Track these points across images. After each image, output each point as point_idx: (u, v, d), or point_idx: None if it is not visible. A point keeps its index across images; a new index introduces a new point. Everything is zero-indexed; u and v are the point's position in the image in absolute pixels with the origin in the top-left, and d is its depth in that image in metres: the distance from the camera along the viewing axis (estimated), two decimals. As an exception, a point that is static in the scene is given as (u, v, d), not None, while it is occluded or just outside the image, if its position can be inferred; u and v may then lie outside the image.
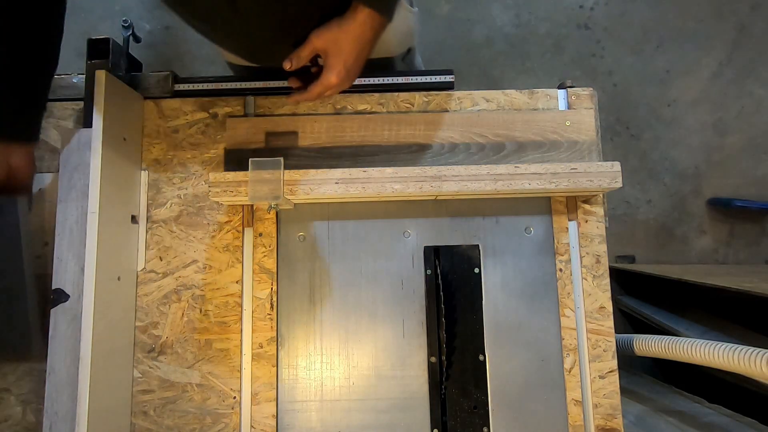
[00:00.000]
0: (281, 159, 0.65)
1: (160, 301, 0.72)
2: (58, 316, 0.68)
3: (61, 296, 0.68)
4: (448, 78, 0.80)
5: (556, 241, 0.72)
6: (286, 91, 0.79)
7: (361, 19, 0.56)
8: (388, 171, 0.66)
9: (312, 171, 0.65)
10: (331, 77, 0.59)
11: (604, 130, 1.59)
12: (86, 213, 0.63)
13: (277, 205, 0.68)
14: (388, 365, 0.70)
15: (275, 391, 0.69)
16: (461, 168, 0.65)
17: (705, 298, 1.21)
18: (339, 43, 0.58)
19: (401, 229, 0.73)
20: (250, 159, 0.64)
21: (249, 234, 0.73)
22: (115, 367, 0.66)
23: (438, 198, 0.72)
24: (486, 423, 0.68)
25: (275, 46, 0.63)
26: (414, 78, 0.79)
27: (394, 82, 0.79)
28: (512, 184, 0.65)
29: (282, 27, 0.60)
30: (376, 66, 0.76)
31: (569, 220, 0.73)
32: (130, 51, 0.81)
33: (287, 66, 0.61)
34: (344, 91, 0.78)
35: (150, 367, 0.70)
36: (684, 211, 1.57)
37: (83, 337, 0.60)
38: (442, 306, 0.69)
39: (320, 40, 0.59)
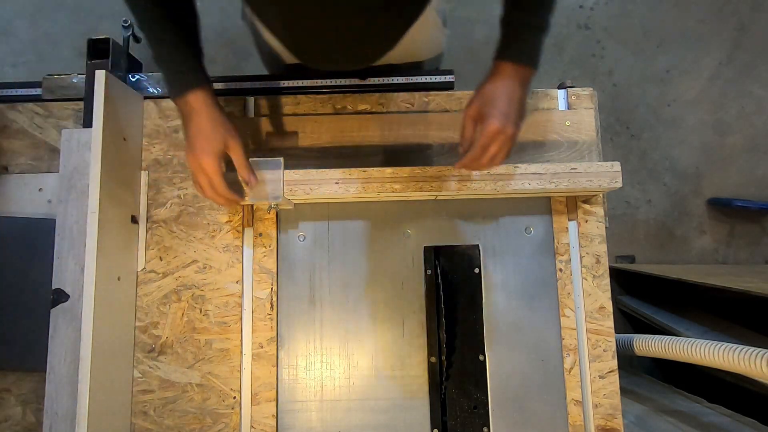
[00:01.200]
0: (281, 159, 0.65)
1: (160, 301, 0.72)
2: (58, 316, 0.68)
3: (61, 296, 0.68)
4: (448, 78, 0.80)
5: (556, 241, 0.72)
6: (285, 91, 0.79)
7: (510, 74, 0.56)
8: (388, 171, 0.66)
9: (312, 171, 0.66)
10: (490, 126, 0.55)
11: (604, 130, 1.58)
12: (86, 213, 0.63)
13: (277, 205, 0.68)
14: (388, 365, 0.70)
15: (275, 391, 0.69)
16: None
17: (705, 298, 1.21)
18: (491, 103, 0.56)
19: (401, 229, 0.73)
20: (250, 159, 0.64)
21: (249, 234, 0.73)
22: (115, 367, 0.66)
23: (438, 198, 0.72)
24: (486, 423, 0.68)
25: (346, 50, 0.63)
26: (414, 78, 0.79)
27: (394, 82, 0.79)
28: (512, 184, 0.65)
29: (367, 31, 0.60)
30: (405, 67, 0.77)
31: (569, 220, 0.73)
32: (130, 51, 0.81)
33: (462, 150, 0.60)
34: (344, 91, 0.79)
35: (150, 367, 0.70)
36: (684, 211, 1.57)
37: (83, 337, 0.60)
38: (442, 306, 0.69)
39: (472, 109, 0.58)
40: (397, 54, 0.70)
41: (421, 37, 0.70)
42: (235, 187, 0.63)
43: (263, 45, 0.78)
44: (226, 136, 0.59)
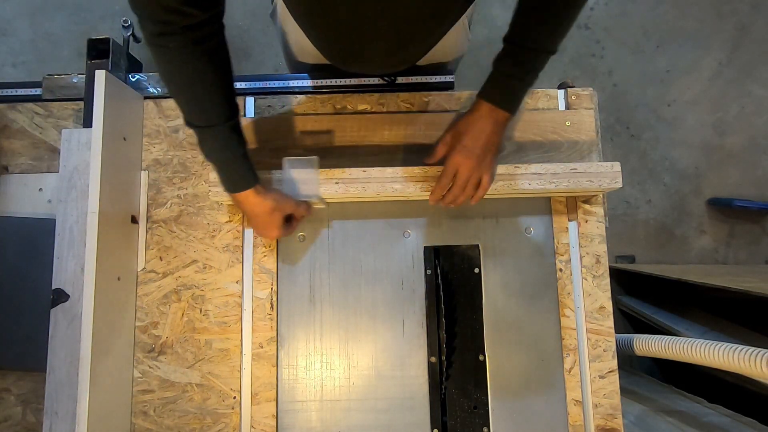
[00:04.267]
0: (316, 158, 0.65)
1: (160, 301, 0.72)
2: (58, 316, 0.68)
3: (61, 296, 0.68)
4: (448, 78, 0.80)
5: (556, 241, 0.72)
6: (286, 91, 0.79)
7: (484, 113, 0.61)
8: (388, 171, 0.66)
9: (312, 171, 0.65)
10: (451, 158, 0.61)
11: (604, 130, 1.58)
12: (86, 213, 0.63)
13: (311, 203, 0.69)
14: (388, 365, 0.70)
15: (275, 391, 0.69)
16: (461, 168, 0.65)
17: (705, 298, 1.21)
18: (460, 136, 0.62)
19: (401, 229, 0.73)
20: (284, 158, 0.64)
21: (249, 234, 0.73)
22: (115, 367, 0.66)
23: (438, 198, 0.72)
24: (486, 423, 0.68)
25: (387, 54, 0.64)
26: (414, 78, 0.79)
27: (393, 82, 0.79)
28: (512, 184, 0.65)
29: (410, 37, 0.61)
30: (431, 67, 0.79)
31: (569, 220, 0.73)
32: (130, 51, 0.81)
33: (435, 202, 0.65)
34: (344, 91, 0.79)
35: (150, 367, 0.70)
36: (684, 211, 1.57)
37: (83, 337, 0.60)
38: (442, 306, 0.69)
39: (447, 135, 0.64)
40: (427, 56, 0.71)
41: (450, 41, 0.72)
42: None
43: (292, 44, 0.78)
44: (283, 211, 0.64)
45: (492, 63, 0.60)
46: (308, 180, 0.65)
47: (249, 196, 0.61)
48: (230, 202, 0.72)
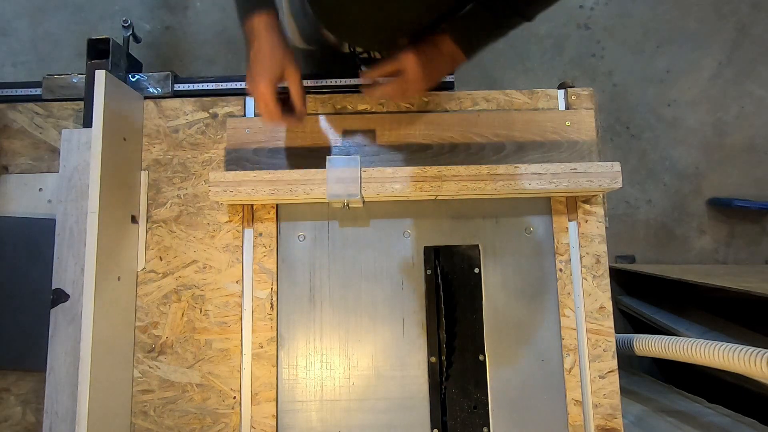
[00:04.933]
0: (358, 157, 0.66)
1: (160, 301, 0.72)
2: (58, 316, 0.68)
3: (61, 296, 0.68)
4: (448, 78, 0.80)
5: (556, 241, 0.72)
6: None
7: (446, 51, 0.63)
8: (388, 171, 0.66)
9: (312, 171, 0.66)
10: (409, 59, 0.63)
11: (604, 130, 1.59)
12: (86, 213, 0.63)
13: (349, 202, 0.69)
14: (388, 365, 0.70)
15: (275, 391, 0.69)
16: (461, 168, 0.65)
17: (705, 298, 1.21)
18: (427, 52, 0.63)
19: (401, 229, 0.73)
20: (327, 157, 0.65)
21: (249, 234, 0.73)
22: (115, 367, 0.66)
23: (438, 198, 0.72)
24: (486, 423, 0.68)
25: (391, 31, 0.66)
26: (414, 78, 0.79)
27: (394, 82, 0.79)
28: (512, 184, 0.65)
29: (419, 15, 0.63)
30: None
31: (569, 220, 0.73)
32: (130, 51, 0.81)
33: (366, 79, 0.67)
34: (344, 91, 0.79)
35: (150, 367, 0.70)
36: (684, 211, 1.57)
37: (83, 337, 0.60)
38: (442, 306, 0.69)
39: (408, 63, 0.63)
40: None
41: None
42: (291, 112, 0.65)
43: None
44: (284, 62, 0.61)
45: (469, 9, 0.62)
46: (349, 179, 0.65)
47: (263, 23, 0.60)
48: (230, 202, 0.72)
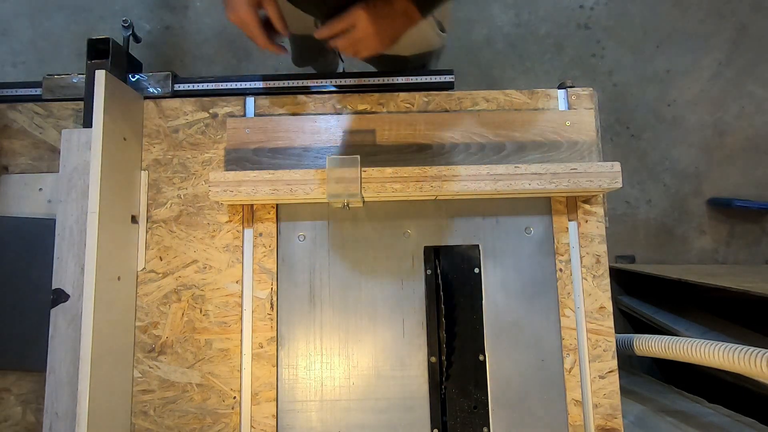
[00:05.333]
0: (358, 157, 0.65)
1: (160, 301, 0.72)
2: (58, 316, 0.68)
3: (61, 296, 0.68)
4: (448, 78, 0.80)
5: (556, 241, 0.72)
6: (286, 91, 0.79)
7: (399, 8, 0.61)
8: (388, 171, 0.66)
9: (312, 171, 0.66)
10: (358, 14, 0.62)
11: (604, 130, 1.59)
12: (86, 213, 0.63)
13: (349, 202, 0.69)
14: (388, 365, 0.70)
15: (275, 391, 0.69)
16: (461, 168, 0.65)
17: (705, 298, 1.21)
18: (377, 6, 0.62)
19: (401, 229, 0.73)
20: (327, 157, 0.65)
21: (249, 234, 0.73)
22: (115, 367, 0.66)
23: (438, 198, 0.72)
24: (486, 423, 0.68)
25: None
26: (414, 78, 0.79)
27: (394, 82, 0.79)
28: (512, 184, 0.65)
29: None
30: (388, 60, 0.79)
31: (569, 220, 0.73)
32: (130, 51, 0.81)
33: (320, 35, 0.65)
34: (344, 91, 0.79)
35: (150, 367, 0.70)
36: (684, 211, 1.57)
37: (83, 337, 0.60)
38: (442, 306, 0.69)
39: (359, 18, 0.63)
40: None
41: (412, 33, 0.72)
42: (277, 38, 0.67)
43: None
44: None
45: None
46: (349, 179, 0.65)
47: None
48: (230, 202, 0.72)
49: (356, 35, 0.63)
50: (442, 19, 0.82)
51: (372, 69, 0.91)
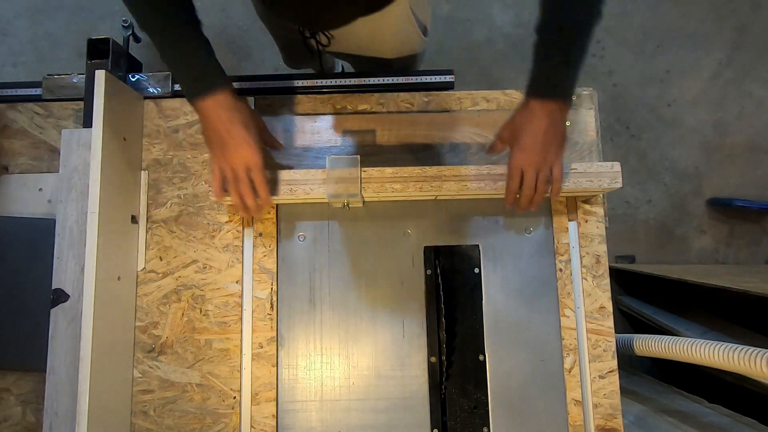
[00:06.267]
0: (358, 157, 0.65)
1: (160, 301, 0.72)
2: (58, 316, 0.68)
3: (61, 296, 0.68)
4: (448, 78, 0.80)
5: (556, 241, 0.72)
6: (286, 91, 0.79)
7: (535, 110, 0.57)
8: (388, 171, 0.66)
9: (312, 171, 0.66)
10: (512, 161, 0.60)
11: (604, 130, 1.59)
12: (86, 213, 0.63)
13: (349, 202, 0.69)
14: (388, 365, 0.70)
15: (275, 391, 0.69)
16: (461, 168, 0.65)
17: (705, 298, 1.21)
18: (517, 136, 0.59)
19: (401, 229, 0.73)
20: (327, 157, 0.65)
21: (249, 234, 0.73)
22: (115, 367, 0.66)
23: (438, 198, 0.72)
24: (486, 423, 0.68)
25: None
26: (414, 78, 0.79)
27: (394, 82, 0.79)
28: (512, 184, 0.65)
29: None
30: (371, 62, 0.78)
31: (569, 220, 0.73)
32: (130, 51, 0.81)
33: (509, 206, 0.63)
34: (344, 91, 0.79)
35: (150, 367, 0.70)
36: (684, 211, 1.57)
37: (83, 337, 0.60)
38: (442, 306, 0.69)
39: (504, 132, 0.62)
40: (362, 41, 0.71)
41: (389, 30, 0.71)
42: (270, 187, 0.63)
43: None
44: (258, 126, 0.59)
45: (532, 53, 0.56)
46: (350, 179, 0.65)
47: (222, 98, 0.54)
48: (230, 202, 0.72)
49: (533, 181, 0.59)
50: (426, 23, 0.81)
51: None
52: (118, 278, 0.68)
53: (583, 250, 0.72)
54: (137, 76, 0.79)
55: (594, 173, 0.66)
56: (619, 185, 0.65)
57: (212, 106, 0.55)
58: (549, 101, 0.56)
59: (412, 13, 0.75)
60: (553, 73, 0.55)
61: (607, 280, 0.72)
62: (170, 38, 0.54)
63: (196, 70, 0.55)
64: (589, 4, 0.52)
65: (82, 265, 0.68)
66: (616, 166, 0.66)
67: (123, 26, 0.80)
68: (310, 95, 0.78)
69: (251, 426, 0.68)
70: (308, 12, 0.68)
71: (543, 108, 0.56)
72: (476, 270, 0.72)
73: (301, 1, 0.65)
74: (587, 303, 0.71)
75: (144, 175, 0.74)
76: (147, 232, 0.73)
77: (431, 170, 0.65)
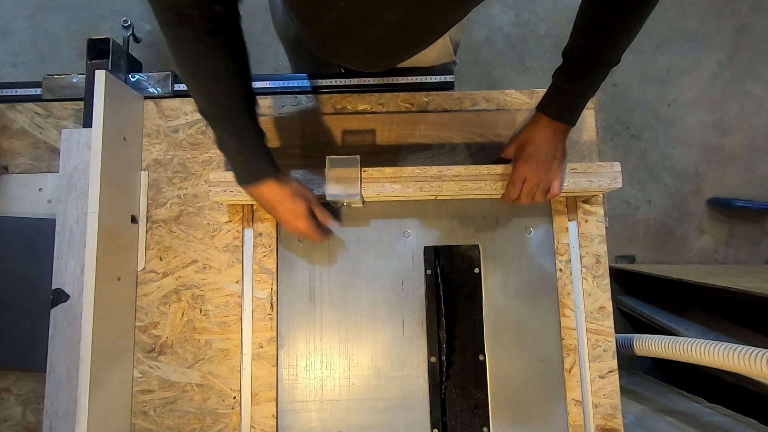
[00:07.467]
0: (358, 157, 0.65)
1: (160, 301, 0.72)
2: (58, 316, 0.68)
3: (61, 296, 0.68)
4: (448, 78, 0.80)
5: (556, 241, 0.72)
6: (286, 92, 0.79)
7: (544, 125, 0.62)
8: (388, 171, 0.66)
9: (312, 171, 0.66)
10: (516, 170, 0.63)
11: (604, 130, 1.59)
12: (86, 213, 0.63)
13: (349, 202, 0.69)
14: (388, 365, 0.70)
15: (275, 391, 0.69)
16: (461, 168, 0.65)
17: (705, 298, 1.21)
18: (522, 148, 0.63)
19: (401, 229, 0.73)
20: (327, 157, 0.65)
21: (249, 234, 0.73)
22: (115, 367, 0.66)
23: (438, 198, 0.72)
24: (486, 423, 0.68)
25: (374, 53, 0.64)
26: (414, 78, 0.79)
27: (394, 82, 0.79)
28: (512, 184, 0.65)
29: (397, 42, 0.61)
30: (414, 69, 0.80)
31: (569, 220, 0.73)
32: (130, 51, 0.81)
33: (507, 202, 0.66)
34: (344, 91, 0.79)
35: (150, 367, 0.70)
36: (684, 211, 1.57)
37: (83, 337, 0.60)
38: (442, 306, 0.69)
39: (508, 149, 0.65)
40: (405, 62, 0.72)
41: (423, 57, 0.73)
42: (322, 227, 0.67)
43: (290, 34, 0.80)
44: (308, 200, 0.63)
45: (552, 75, 0.61)
46: (349, 179, 0.65)
47: (268, 186, 0.60)
48: (230, 202, 0.72)
49: (532, 190, 0.63)
50: (458, 40, 0.83)
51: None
52: (118, 278, 0.68)
53: (583, 250, 0.72)
54: (137, 76, 0.79)
55: (594, 173, 0.66)
56: (619, 185, 0.65)
57: (258, 193, 0.61)
58: (559, 123, 0.61)
59: (448, 38, 0.77)
60: (570, 100, 0.61)
61: (607, 280, 0.72)
62: (230, 129, 0.57)
63: (248, 161, 0.59)
64: (618, 52, 0.57)
65: (82, 265, 0.68)
66: (616, 166, 0.66)
67: (123, 26, 0.80)
68: (310, 95, 0.78)
69: (251, 426, 0.68)
70: (365, 61, 0.69)
71: (550, 126, 0.62)
72: (476, 270, 0.72)
73: (363, 53, 0.64)
74: (587, 303, 0.71)
75: (144, 175, 0.74)
76: (147, 232, 0.73)
77: (431, 170, 0.65)
